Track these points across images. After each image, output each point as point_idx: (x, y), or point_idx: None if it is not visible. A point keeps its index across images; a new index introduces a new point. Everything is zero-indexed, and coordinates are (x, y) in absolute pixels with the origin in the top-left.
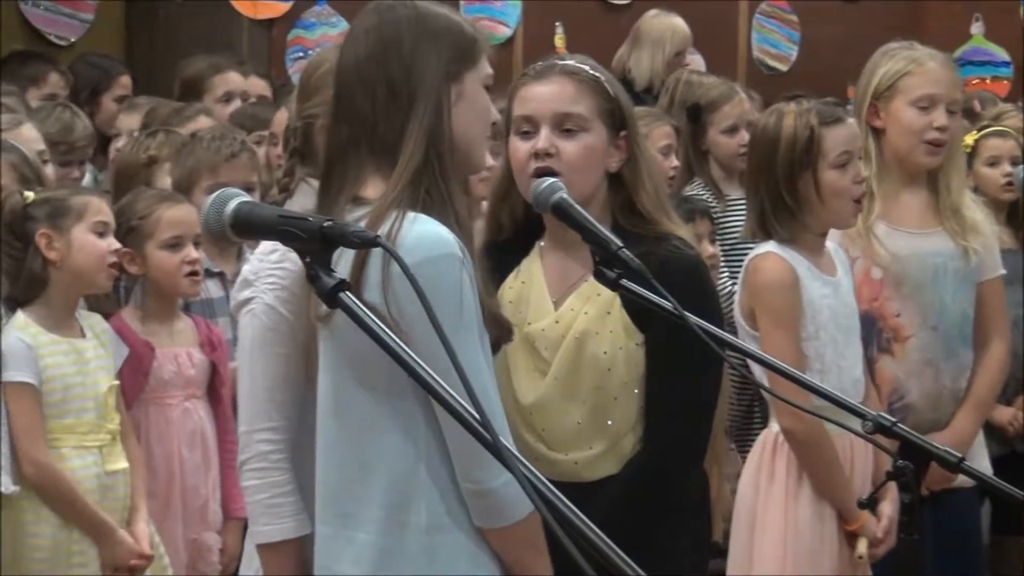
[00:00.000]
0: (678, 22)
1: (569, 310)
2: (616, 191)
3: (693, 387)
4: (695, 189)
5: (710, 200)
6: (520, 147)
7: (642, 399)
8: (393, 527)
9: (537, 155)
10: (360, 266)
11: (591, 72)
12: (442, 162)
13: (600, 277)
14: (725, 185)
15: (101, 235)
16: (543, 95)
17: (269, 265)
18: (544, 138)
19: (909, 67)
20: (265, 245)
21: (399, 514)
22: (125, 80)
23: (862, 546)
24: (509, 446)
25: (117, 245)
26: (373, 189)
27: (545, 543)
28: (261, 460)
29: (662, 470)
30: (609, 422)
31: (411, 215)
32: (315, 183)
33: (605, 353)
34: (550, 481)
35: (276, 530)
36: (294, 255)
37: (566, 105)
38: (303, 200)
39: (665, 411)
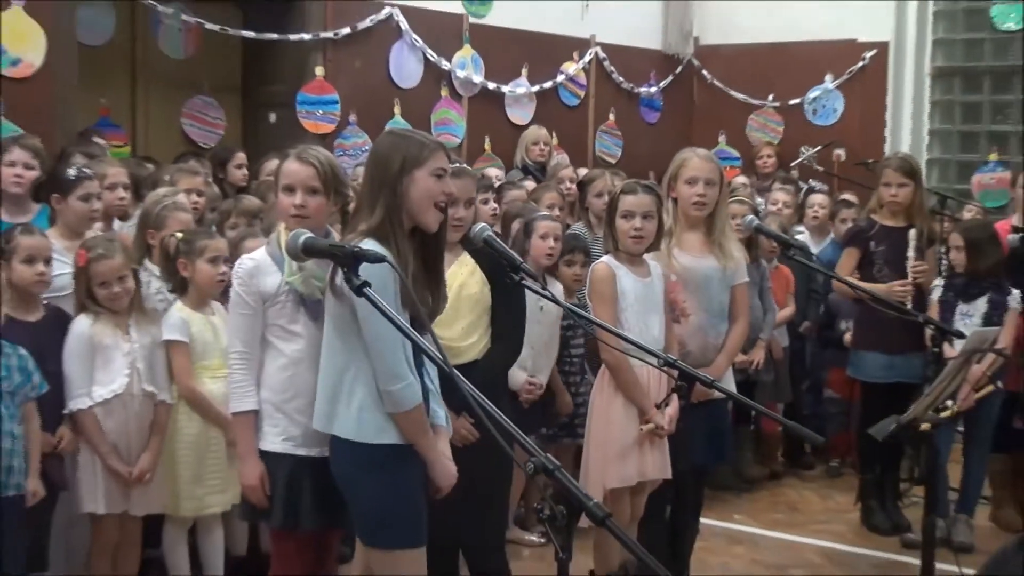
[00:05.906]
0: (531, 129)
1: (455, 274)
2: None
3: (512, 316)
4: (579, 227)
5: (587, 236)
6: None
7: (489, 318)
8: (346, 404)
9: (460, 219)
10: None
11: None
12: (393, 222)
13: (510, 279)
14: (597, 227)
15: (213, 262)
16: (461, 187)
17: (238, 267)
18: (462, 210)
19: (682, 162)
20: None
21: (349, 398)
22: (241, 155)
23: (647, 426)
24: (457, 373)
25: (224, 269)
26: (364, 227)
27: (428, 428)
28: (230, 368)
29: (505, 356)
30: (477, 329)
31: (368, 240)
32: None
33: (476, 292)
34: (453, 363)
35: (233, 406)
36: (247, 262)
37: (471, 193)
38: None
39: (503, 326)
